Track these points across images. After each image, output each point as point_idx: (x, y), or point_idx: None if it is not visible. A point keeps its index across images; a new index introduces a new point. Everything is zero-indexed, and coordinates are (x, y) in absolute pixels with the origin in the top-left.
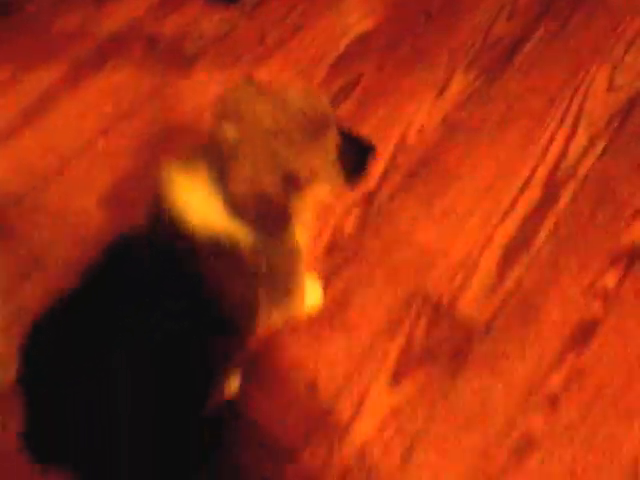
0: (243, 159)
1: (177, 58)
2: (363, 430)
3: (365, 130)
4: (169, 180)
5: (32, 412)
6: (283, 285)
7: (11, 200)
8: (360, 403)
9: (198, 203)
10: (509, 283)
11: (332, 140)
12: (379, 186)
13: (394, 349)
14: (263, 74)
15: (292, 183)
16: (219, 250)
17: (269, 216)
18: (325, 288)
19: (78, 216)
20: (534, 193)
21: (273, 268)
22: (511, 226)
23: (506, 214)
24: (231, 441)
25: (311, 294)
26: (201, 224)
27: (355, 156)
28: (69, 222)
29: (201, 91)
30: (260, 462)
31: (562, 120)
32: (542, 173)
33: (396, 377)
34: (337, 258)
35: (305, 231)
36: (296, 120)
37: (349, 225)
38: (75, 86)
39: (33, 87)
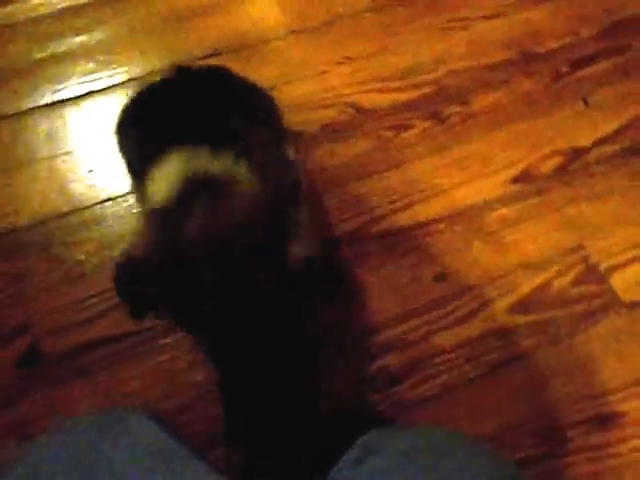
0: None
1: None
2: (464, 333)
3: (605, 92)
4: None
5: None
6: None
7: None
8: (475, 311)
9: None
10: None
11: None
12: (591, 148)
13: (529, 284)
14: None
15: None
16: None
17: None
18: (496, 208)
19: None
20: None
21: None
22: None
23: None
24: None
25: None
26: None
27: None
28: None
29: None
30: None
31: None
32: None
33: (518, 307)
34: (520, 187)
35: None
36: None
37: (547, 166)
38: None
39: None
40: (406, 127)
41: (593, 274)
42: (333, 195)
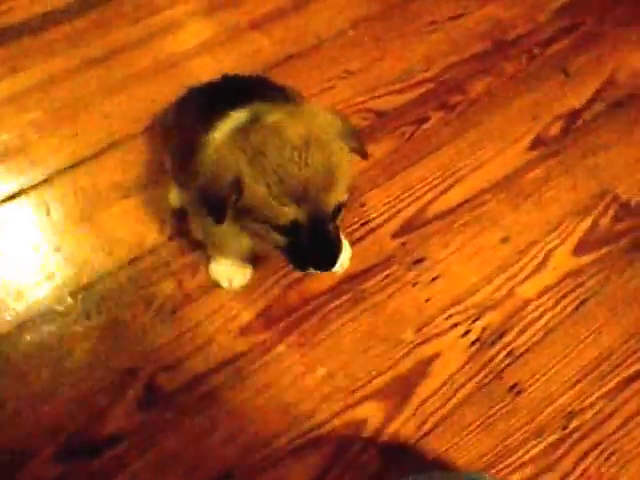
0: None
1: None
2: (542, 282)
3: (579, 61)
4: None
5: None
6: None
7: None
8: (544, 260)
9: None
10: None
11: None
12: (584, 108)
13: (580, 228)
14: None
15: None
16: None
17: None
18: (526, 173)
19: (325, 84)
20: None
21: None
22: None
23: None
24: None
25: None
26: None
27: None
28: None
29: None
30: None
31: None
32: None
33: (578, 249)
34: (539, 152)
35: None
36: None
37: (553, 130)
38: None
39: None
40: (423, 120)
41: (627, 210)
42: (379, 192)
